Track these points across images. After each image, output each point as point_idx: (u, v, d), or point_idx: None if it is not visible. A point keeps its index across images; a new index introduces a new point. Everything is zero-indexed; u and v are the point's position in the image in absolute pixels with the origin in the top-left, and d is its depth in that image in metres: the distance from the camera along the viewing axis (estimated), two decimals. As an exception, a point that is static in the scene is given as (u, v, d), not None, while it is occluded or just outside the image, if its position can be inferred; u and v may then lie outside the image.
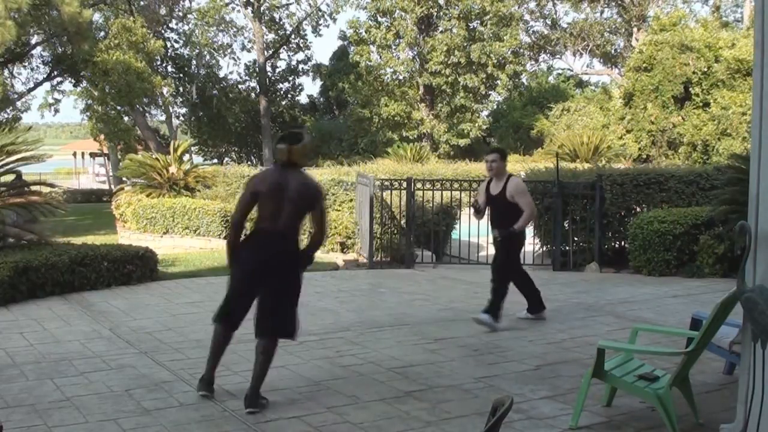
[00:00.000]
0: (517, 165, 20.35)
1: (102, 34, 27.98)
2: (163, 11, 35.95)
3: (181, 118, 40.51)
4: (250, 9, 37.55)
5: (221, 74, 39.97)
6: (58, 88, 31.21)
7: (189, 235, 15.60)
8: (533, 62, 42.25)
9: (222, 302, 5.18)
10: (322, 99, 43.01)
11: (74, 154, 48.07)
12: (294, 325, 5.06)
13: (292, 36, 39.92)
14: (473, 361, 6.12)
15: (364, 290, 9.75)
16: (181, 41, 38.49)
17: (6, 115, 26.98)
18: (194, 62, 38.45)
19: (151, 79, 25.66)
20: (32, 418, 4.71)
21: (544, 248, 12.16)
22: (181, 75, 37.82)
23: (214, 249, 14.27)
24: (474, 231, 11.10)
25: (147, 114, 33.87)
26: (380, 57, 34.39)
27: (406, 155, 27.53)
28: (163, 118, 38.53)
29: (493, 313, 7.12)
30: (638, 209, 11.68)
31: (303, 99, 42.62)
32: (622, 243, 11.72)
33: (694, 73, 24.76)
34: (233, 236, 5.18)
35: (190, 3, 46.29)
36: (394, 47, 33.90)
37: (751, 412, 3.73)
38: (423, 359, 6.13)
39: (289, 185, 4.99)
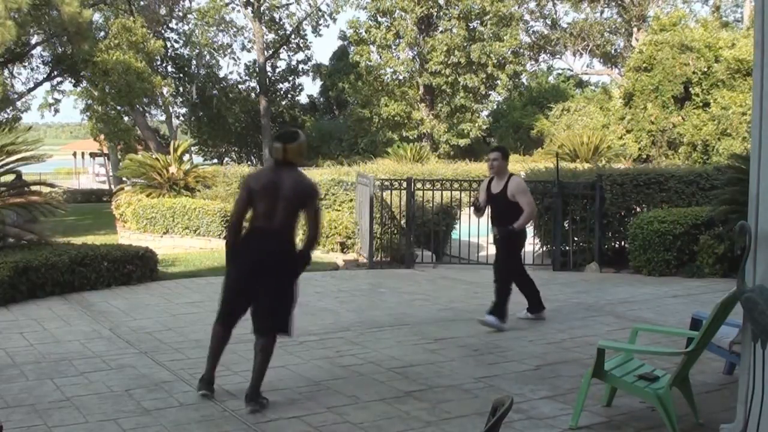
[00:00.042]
0: (517, 165, 20.36)
1: (102, 34, 27.97)
2: (163, 11, 35.94)
3: (181, 118, 40.54)
4: (250, 9, 37.54)
5: (221, 74, 40.07)
6: (58, 88, 31.26)
7: (189, 235, 15.62)
8: (533, 62, 42.26)
9: (220, 304, 5.19)
10: (322, 99, 43.02)
11: (74, 154, 48.06)
12: (287, 321, 5.06)
13: (292, 36, 39.93)
14: (473, 361, 6.12)
15: (364, 290, 9.75)
16: (181, 41, 38.54)
17: (6, 115, 26.97)
18: (194, 62, 38.46)
19: (151, 79, 25.66)
20: (32, 418, 4.71)
21: (544, 248, 12.16)
22: (181, 75, 37.82)
23: (214, 249, 14.27)
24: (474, 231, 11.12)
25: (147, 114, 33.87)
26: (380, 57, 34.38)
27: (406, 155, 27.53)
28: (163, 118, 38.56)
29: (498, 314, 7.12)
30: (638, 209, 11.68)
31: (303, 99, 42.74)
32: (622, 243, 11.72)
33: (694, 73, 24.76)
34: (231, 237, 5.18)
35: (190, 3, 46.37)
36: (394, 47, 33.89)
37: (751, 412, 3.73)
38: (423, 359, 6.12)
39: (284, 183, 4.99)
